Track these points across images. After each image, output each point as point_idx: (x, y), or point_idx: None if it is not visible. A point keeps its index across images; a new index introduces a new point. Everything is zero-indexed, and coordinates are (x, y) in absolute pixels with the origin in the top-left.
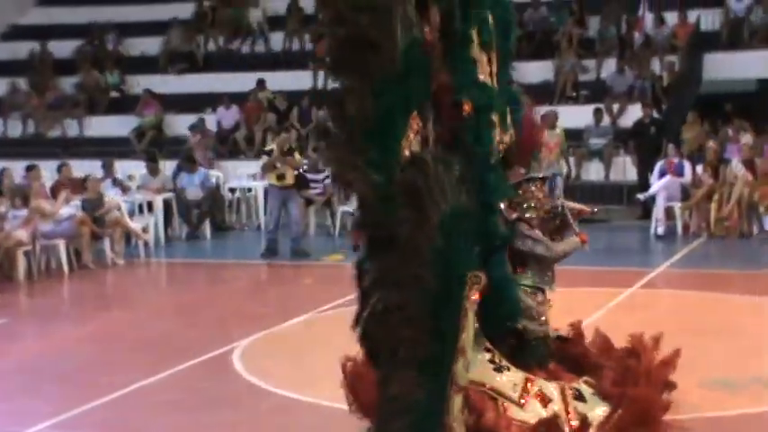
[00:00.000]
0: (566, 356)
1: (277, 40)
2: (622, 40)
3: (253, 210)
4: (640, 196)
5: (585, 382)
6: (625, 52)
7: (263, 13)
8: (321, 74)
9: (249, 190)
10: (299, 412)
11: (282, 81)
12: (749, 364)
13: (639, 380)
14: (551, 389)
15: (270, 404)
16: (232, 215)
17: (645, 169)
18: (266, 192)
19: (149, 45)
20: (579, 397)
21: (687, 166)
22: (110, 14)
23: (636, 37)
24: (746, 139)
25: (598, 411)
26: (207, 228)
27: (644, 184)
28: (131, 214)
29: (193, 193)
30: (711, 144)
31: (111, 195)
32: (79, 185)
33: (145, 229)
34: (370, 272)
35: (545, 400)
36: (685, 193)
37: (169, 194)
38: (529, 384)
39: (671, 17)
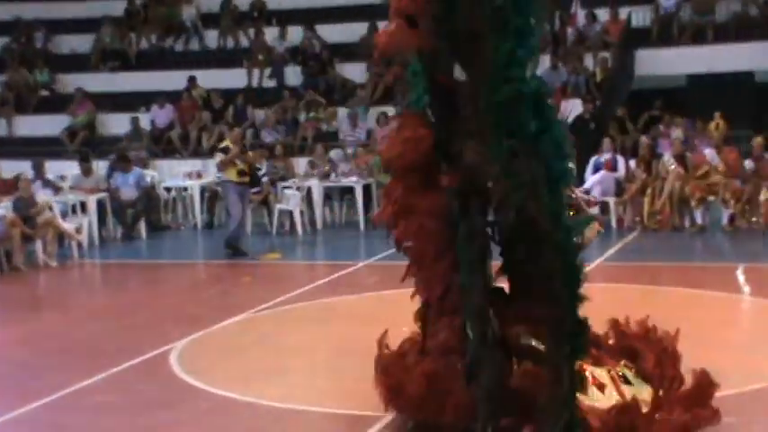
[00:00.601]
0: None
1: (212, 37)
2: (555, 37)
3: (189, 209)
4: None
5: (625, 366)
6: (558, 49)
7: (197, 10)
8: (255, 72)
9: (185, 189)
10: (237, 412)
11: (217, 79)
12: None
13: (676, 361)
14: (601, 374)
15: (208, 404)
16: (168, 215)
17: (584, 164)
18: (203, 189)
19: (80, 43)
20: (626, 380)
21: (621, 160)
22: (37, 11)
23: (569, 33)
24: (677, 134)
25: (645, 393)
26: (142, 228)
27: (581, 180)
28: (64, 215)
29: (128, 192)
30: (644, 139)
31: (43, 196)
32: (10, 186)
33: (78, 230)
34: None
35: (600, 386)
36: (619, 188)
37: (103, 194)
38: (583, 370)
39: (603, 14)
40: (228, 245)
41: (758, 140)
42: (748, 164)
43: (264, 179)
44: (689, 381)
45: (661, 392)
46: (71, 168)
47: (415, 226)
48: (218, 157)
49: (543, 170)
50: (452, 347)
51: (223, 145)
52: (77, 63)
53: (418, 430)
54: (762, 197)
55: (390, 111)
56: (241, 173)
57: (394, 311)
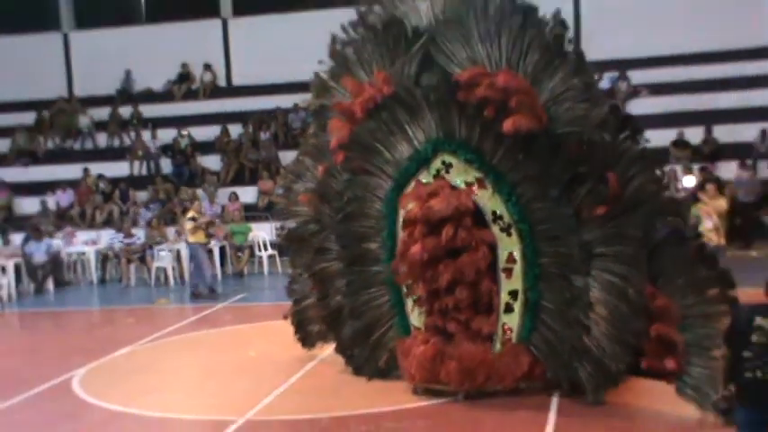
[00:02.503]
0: None
1: (102, 138)
2: None
3: (86, 269)
4: None
5: None
6: None
7: (91, 118)
8: (136, 163)
9: (83, 253)
10: (124, 422)
11: (106, 169)
12: None
13: None
14: None
15: (102, 417)
16: (70, 273)
17: None
18: (97, 253)
19: (0, 145)
20: None
21: None
22: None
23: None
24: None
25: None
26: (50, 284)
27: None
28: None
29: (39, 257)
30: None
31: None
32: None
33: (0, 287)
34: None
35: None
36: None
37: (18, 259)
38: None
39: None
40: (193, 293)
41: None
42: None
43: (139, 241)
44: None
45: None
46: None
47: (481, 253)
48: (189, 224)
49: None
50: (490, 335)
51: (190, 215)
52: None
53: (468, 398)
54: None
55: (239, 190)
56: (208, 236)
57: (245, 341)
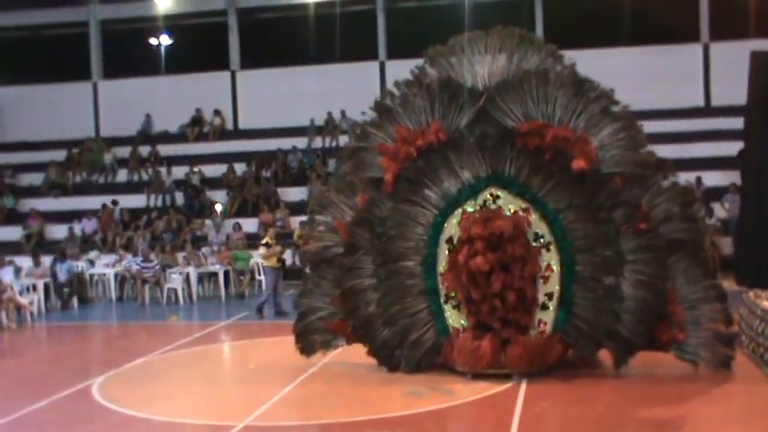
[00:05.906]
0: None
1: (123, 174)
2: None
3: (107, 288)
4: None
5: None
6: None
7: (114, 156)
8: (152, 196)
9: (104, 274)
10: (137, 425)
11: (127, 201)
12: (426, 379)
13: None
14: None
15: (117, 420)
16: (93, 292)
17: None
18: (116, 274)
19: (34, 178)
20: None
21: None
22: (6, 158)
23: None
24: None
25: None
26: (75, 301)
27: None
28: (21, 293)
29: (64, 277)
30: None
31: (6, 280)
32: None
33: (30, 303)
34: None
35: None
36: None
37: (48, 279)
38: None
39: None
40: (258, 309)
41: None
42: None
43: (157, 267)
44: None
45: None
46: (27, 261)
47: (533, 265)
48: (262, 250)
49: None
50: (529, 328)
51: (264, 241)
52: (32, 192)
53: (523, 376)
54: None
55: (242, 221)
56: (279, 260)
57: (245, 355)
